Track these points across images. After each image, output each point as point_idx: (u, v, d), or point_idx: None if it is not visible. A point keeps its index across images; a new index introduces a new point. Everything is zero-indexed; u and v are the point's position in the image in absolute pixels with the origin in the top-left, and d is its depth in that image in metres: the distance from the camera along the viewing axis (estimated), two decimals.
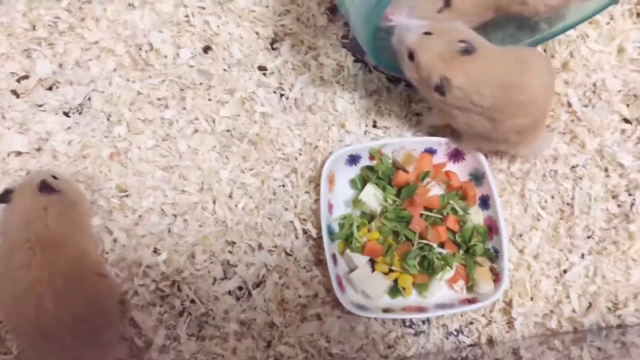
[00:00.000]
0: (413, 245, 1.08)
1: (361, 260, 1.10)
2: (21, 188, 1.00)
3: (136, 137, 1.15)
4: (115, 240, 1.10)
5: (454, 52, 0.96)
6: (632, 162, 1.14)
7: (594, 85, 1.19)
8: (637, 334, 1.06)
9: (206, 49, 1.21)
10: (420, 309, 1.09)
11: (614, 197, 1.15)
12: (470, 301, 1.08)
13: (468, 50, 0.96)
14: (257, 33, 1.23)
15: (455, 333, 1.12)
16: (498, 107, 0.98)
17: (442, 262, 1.08)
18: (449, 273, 1.09)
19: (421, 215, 1.10)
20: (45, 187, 0.99)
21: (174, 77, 1.18)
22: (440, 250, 1.09)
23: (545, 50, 1.21)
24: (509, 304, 1.11)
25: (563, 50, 1.21)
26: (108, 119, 1.16)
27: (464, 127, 1.06)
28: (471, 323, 1.12)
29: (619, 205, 1.14)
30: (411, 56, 0.99)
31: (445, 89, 0.97)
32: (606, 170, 1.16)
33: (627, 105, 1.18)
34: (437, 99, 1.00)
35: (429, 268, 1.08)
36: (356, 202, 1.13)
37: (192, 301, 1.09)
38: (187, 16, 1.22)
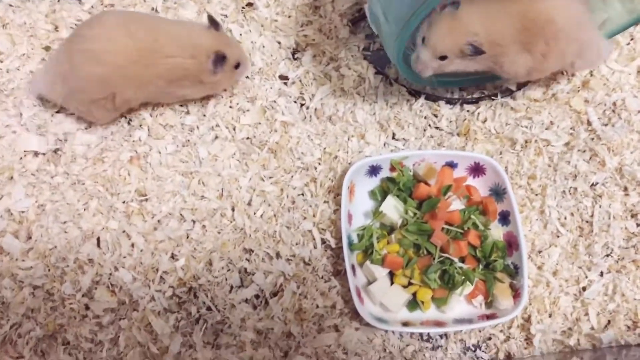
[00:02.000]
0: (434, 259, 1.07)
1: (381, 272, 1.09)
2: None
3: (156, 141, 1.15)
4: (133, 245, 1.09)
5: None
6: None
7: (614, 104, 1.20)
8: None
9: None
10: (439, 324, 1.08)
11: (632, 216, 1.15)
12: (489, 317, 1.07)
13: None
14: (279, 42, 1.24)
15: (473, 348, 1.11)
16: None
17: (463, 277, 1.07)
18: (468, 288, 1.08)
19: (442, 229, 1.09)
20: None
21: None
22: (461, 264, 1.08)
23: (566, 70, 1.22)
24: (528, 320, 1.10)
25: (584, 70, 1.21)
26: (129, 123, 1.15)
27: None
28: (489, 339, 1.11)
29: (638, 224, 1.14)
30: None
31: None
32: (625, 189, 1.16)
33: None
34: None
35: (449, 282, 1.07)
36: (376, 213, 1.12)
37: (209, 308, 1.07)
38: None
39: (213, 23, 1.05)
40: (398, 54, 1.03)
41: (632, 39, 1.23)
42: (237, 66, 1.10)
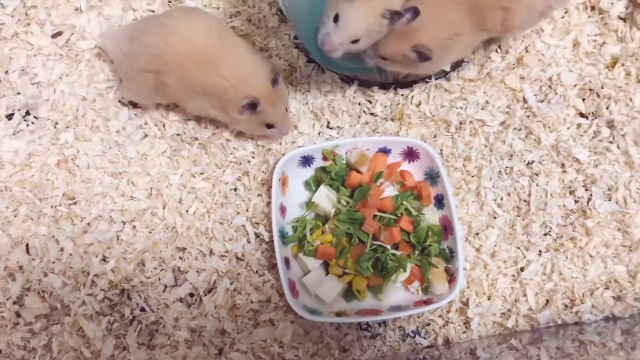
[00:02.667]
0: (366, 247, 1.06)
1: (314, 263, 1.08)
2: None
3: (84, 144, 1.13)
4: (62, 250, 1.08)
5: None
6: (588, 157, 1.13)
7: (550, 80, 1.18)
8: (594, 331, 1.05)
9: None
10: (376, 312, 1.07)
11: (571, 192, 1.13)
12: (426, 302, 1.06)
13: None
14: None
15: (412, 335, 1.10)
16: None
17: (396, 264, 1.06)
18: (403, 275, 1.07)
19: (375, 216, 1.08)
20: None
21: None
22: (394, 251, 1.07)
23: (500, 47, 1.20)
24: (466, 303, 1.09)
25: (518, 46, 1.19)
26: (55, 126, 1.14)
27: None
28: (428, 324, 1.10)
29: (576, 201, 1.13)
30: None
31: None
32: (563, 165, 1.14)
33: (583, 99, 1.16)
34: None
35: (382, 270, 1.06)
36: (309, 204, 1.11)
37: (142, 309, 1.07)
38: (136, 19, 1.20)
39: (274, 79, 1.04)
40: (308, 32, 0.97)
41: (566, 12, 1.21)
42: (269, 126, 1.09)
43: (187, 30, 1.01)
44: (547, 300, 1.09)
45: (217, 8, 1.22)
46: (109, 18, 1.19)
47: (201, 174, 1.13)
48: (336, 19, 0.97)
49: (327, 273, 1.08)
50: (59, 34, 1.17)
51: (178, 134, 1.15)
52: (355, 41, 0.98)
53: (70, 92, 1.15)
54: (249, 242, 1.11)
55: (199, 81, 1.03)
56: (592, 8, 1.21)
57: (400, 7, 0.97)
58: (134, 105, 1.16)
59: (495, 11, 1.01)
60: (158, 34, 1.03)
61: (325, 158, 1.13)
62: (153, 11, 1.21)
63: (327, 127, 1.18)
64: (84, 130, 1.14)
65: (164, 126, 1.15)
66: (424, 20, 0.96)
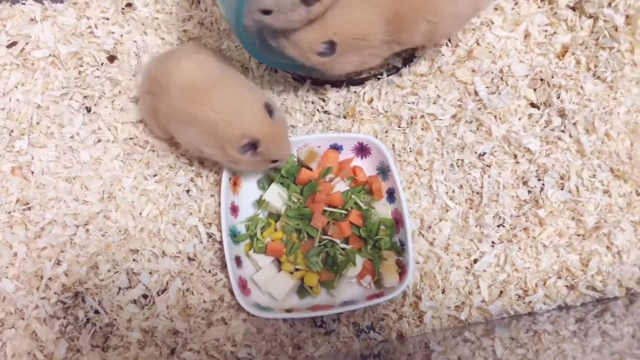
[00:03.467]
0: (315, 242, 1.06)
1: (265, 260, 1.08)
2: None
3: (39, 150, 1.15)
4: (15, 254, 1.09)
5: None
6: (540, 146, 1.12)
7: (501, 71, 1.18)
8: (547, 321, 1.04)
9: (111, 59, 1.21)
10: (328, 308, 1.07)
11: (524, 183, 1.13)
12: (378, 296, 1.06)
13: None
14: (163, 39, 1.23)
15: (366, 330, 1.09)
16: None
17: (346, 258, 1.06)
18: (354, 269, 1.07)
19: (324, 211, 1.08)
20: None
21: (77, 88, 1.18)
22: (344, 245, 1.07)
23: (450, 40, 1.20)
24: (420, 297, 1.08)
25: (468, 39, 1.20)
26: (10, 134, 1.15)
27: None
28: (382, 319, 1.09)
29: (529, 191, 1.12)
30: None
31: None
32: (515, 156, 1.13)
33: (534, 89, 1.16)
34: None
35: (333, 265, 1.06)
36: (260, 202, 1.11)
37: (96, 312, 1.07)
38: (89, 27, 1.22)
39: (268, 109, 0.99)
40: (237, 19, 0.91)
41: (516, 4, 1.21)
42: (274, 161, 1.04)
43: (184, 59, 1.02)
44: (501, 292, 1.08)
45: (170, 13, 1.24)
46: (63, 27, 1.21)
47: (154, 175, 1.14)
48: None
49: (280, 270, 1.09)
50: (14, 44, 1.19)
51: (131, 138, 1.16)
52: (266, 12, 0.91)
53: (26, 101, 1.17)
54: (201, 242, 1.12)
55: (187, 110, 0.99)
56: None
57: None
58: (88, 110, 1.17)
59: (417, 24, 1.00)
60: (161, 58, 1.06)
61: None
62: (107, 19, 1.23)
63: None
64: (38, 137, 1.15)
65: (117, 130, 1.17)
66: (335, 14, 0.95)
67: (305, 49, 0.98)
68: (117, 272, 1.10)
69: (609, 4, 1.14)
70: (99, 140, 1.16)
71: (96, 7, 1.23)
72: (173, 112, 1.01)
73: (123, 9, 1.24)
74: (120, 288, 1.09)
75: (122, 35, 1.22)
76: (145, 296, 1.09)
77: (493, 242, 1.10)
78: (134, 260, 1.10)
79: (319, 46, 0.97)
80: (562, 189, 1.11)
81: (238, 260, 1.08)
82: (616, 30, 1.14)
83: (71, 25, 1.22)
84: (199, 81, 1.00)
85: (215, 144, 1.00)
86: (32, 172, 1.13)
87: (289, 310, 1.05)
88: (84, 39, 1.21)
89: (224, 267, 1.11)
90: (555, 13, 1.19)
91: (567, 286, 1.07)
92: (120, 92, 1.19)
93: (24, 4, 1.22)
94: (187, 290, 1.09)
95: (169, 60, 1.04)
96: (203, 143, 1.01)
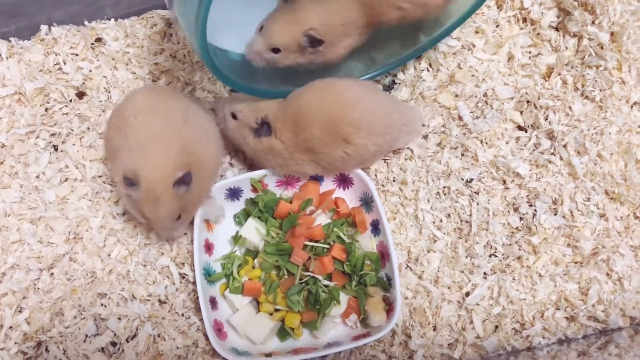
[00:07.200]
0: (296, 279, 0.99)
1: (242, 301, 1.01)
2: None
3: (2, 191, 1.08)
4: None
5: None
6: (529, 170, 1.07)
7: (485, 95, 1.13)
8: (547, 355, 0.96)
9: (80, 95, 1.16)
10: (312, 350, 0.99)
11: (515, 209, 1.06)
12: (365, 336, 0.98)
13: None
14: (134, 73, 1.18)
15: None
16: None
17: (329, 296, 0.98)
18: (339, 308, 1.00)
19: (305, 246, 1.01)
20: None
21: (44, 126, 1.13)
22: (326, 282, 0.99)
23: (430, 65, 1.16)
24: (409, 335, 1.01)
25: (450, 63, 1.15)
26: None
27: None
28: None
29: (520, 218, 1.06)
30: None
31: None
32: (504, 182, 1.08)
33: (521, 112, 1.12)
34: None
35: (315, 303, 0.99)
36: (237, 238, 1.05)
37: None
38: (57, 64, 1.18)
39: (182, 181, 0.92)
40: (201, 38, 0.81)
41: (497, 26, 1.18)
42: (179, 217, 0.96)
43: (141, 95, 1.01)
44: (496, 326, 1.01)
45: (141, 47, 1.20)
46: (30, 64, 1.17)
47: (123, 214, 1.08)
48: (261, 29, 0.98)
49: (259, 311, 1.01)
50: None
51: (100, 175, 1.11)
52: (275, 50, 0.97)
53: None
54: (173, 283, 1.04)
55: (114, 141, 0.97)
56: (524, 20, 1.18)
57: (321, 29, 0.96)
58: (55, 148, 1.12)
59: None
60: (115, 114, 1.01)
61: (254, 189, 1.08)
62: (77, 54, 1.19)
63: None
64: (2, 177, 1.09)
65: (85, 168, 1.11)
66: (313, 5, 0.96)
67: (295, 47, 0.99)
68: (83, 318, 1.02)
69: (593, 22, 1.11)
70: (66, 179, 1.10)
71: (65, 43, 1.19)
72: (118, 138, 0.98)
73: (92, 44, 1.20)
74: (86, 335, 1.01)
75: (91, 71, 1.18)
76: (113, 343, 1.01)
77: (485, 273, 1.03)
78: (102, 305, 1.03)
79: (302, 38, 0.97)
80: (555, 214, 1.05)
81: (213, 302, 1.01)
82: (602, 48, 1.10)
83: (38, 61, 1.17)
84: (133, 123, 0.96)
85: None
86: None
87: (269, 355, 0.97)
88: (52, 75, 1.17)
89: (198, 309, 1.03)
90: (539, 34, 1.16)
91: (566, 317, 1.00)
92: (89, 128, 1.13)
93: None
94: (159, 335, 1.01)
95: (130, 95, 1.03)
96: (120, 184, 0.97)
